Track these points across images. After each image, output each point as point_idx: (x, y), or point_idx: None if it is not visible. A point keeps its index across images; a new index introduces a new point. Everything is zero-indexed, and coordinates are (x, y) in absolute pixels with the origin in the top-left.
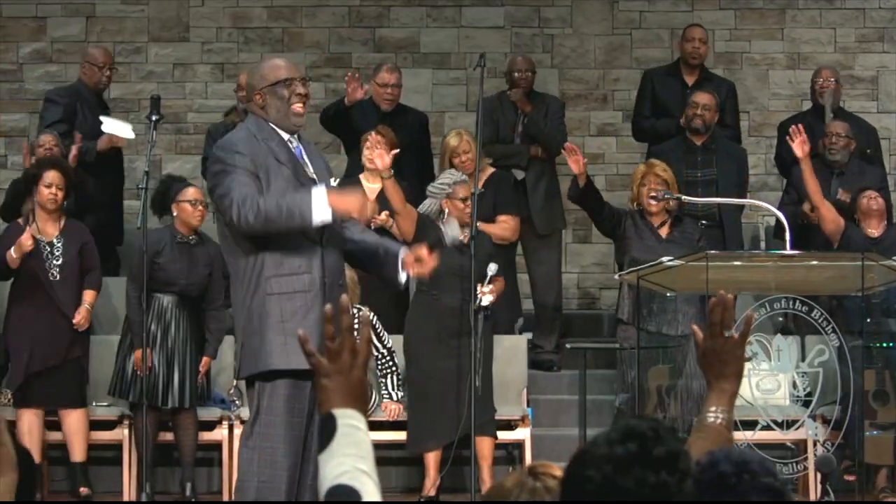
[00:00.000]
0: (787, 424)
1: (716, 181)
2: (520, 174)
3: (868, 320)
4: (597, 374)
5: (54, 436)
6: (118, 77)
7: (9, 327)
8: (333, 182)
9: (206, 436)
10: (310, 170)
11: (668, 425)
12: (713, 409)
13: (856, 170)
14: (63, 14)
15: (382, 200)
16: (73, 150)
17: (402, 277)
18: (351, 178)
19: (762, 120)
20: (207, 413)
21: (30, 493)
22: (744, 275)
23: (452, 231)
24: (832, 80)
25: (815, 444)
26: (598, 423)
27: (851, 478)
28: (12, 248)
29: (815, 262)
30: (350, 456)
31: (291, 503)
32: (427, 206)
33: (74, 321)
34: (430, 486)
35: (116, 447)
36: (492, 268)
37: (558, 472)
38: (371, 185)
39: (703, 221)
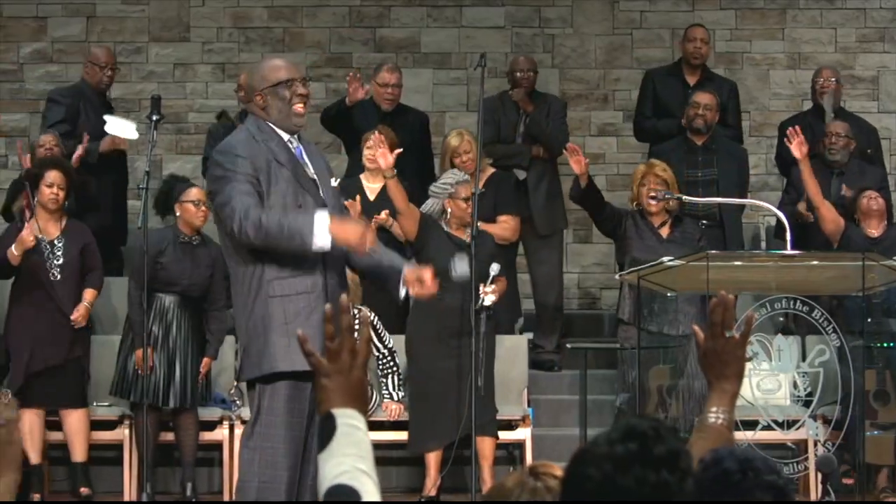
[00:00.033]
0: (788, 424)
1: (716, 181)
2: (521, 174)
3: (869, 320)
4: (597, 374)
5: (55, 436)
6: (119, 77)
7: (9, 327)
8: (334, 182)
9: (207, 436)
10: (310, 170)
11: (669, 425)
12: (714, 409)
13: (856, 170)
14: (63, 14)
15: (383, 200)
16: (79, 150)
17: (402, 293)
18: (351, 178)
19: (763, 120)
20: (208, 413)
21: (24, 493)
22: (744, 275)
23: (461, 268)
24: (833, 80)
25: (815, 445)
26: (599, 423)
27: (849, 481)
28: (13, 245)
29: (815, 262)
30: (350, 456)
31: (292, 503)
32: (429, 205)
33: (72, 317)
34: (431, 486)
35: (117, 447)
36: (494, 268)
37: (559, 472)
38: (371, 185)
39: (704, 221)
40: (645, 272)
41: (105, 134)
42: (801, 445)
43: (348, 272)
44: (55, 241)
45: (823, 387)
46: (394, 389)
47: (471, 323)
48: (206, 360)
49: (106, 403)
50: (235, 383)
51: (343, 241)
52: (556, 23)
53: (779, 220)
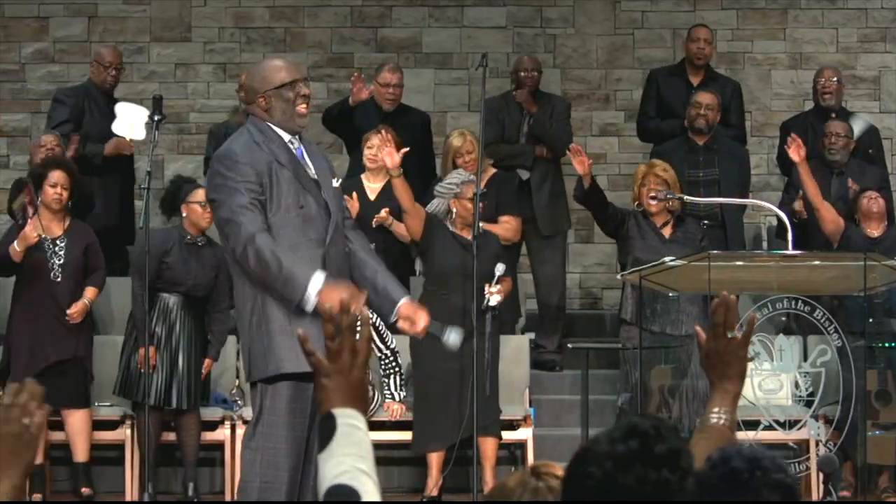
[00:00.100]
0: (790, 424)
1: (718, 181)
2: (525, 174)
3: (870, 320)
4: (599, 375)
5: (57, 436)
6: (120, 77)
7: (11, 327)
8: (336, 182)
9: (209, 436)
10: (311, 171)
11: (671, 424)
12: (716, 409)
13: (856, 170)
14: (65, 14)
15: (384, 200)
16: (70, 152)
17: (391, 320)
18: (353, 178)
19: (764, 120)
20: (210, 413)
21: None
22: (746, 275)
23: (454, 338)
24: (834, 80)
25: (817, 445)
26: (601, 424)
27: (846, 493)
28: (16, 241)
29: (817, 262)
30: (350, 455)
31: (293, 503)
32: (435, 205)
33: (68, 312)
34: (433, 487)
35: (119, 447)
36: (499, 268)
37: (560, 472)
38: (372, 185)
39: (706, 221)
40: (647, 272)
41: (110, 135)
42: (803, 445)
43: None
44: (58, 241)
45: (825, 387)
46: (396, 390)
47: (475, 324)
48: (207, 361)
49: (108, 403)
50: (237, 383)
51: (325, 306)
52: (557, 23)
53: (780, 220)
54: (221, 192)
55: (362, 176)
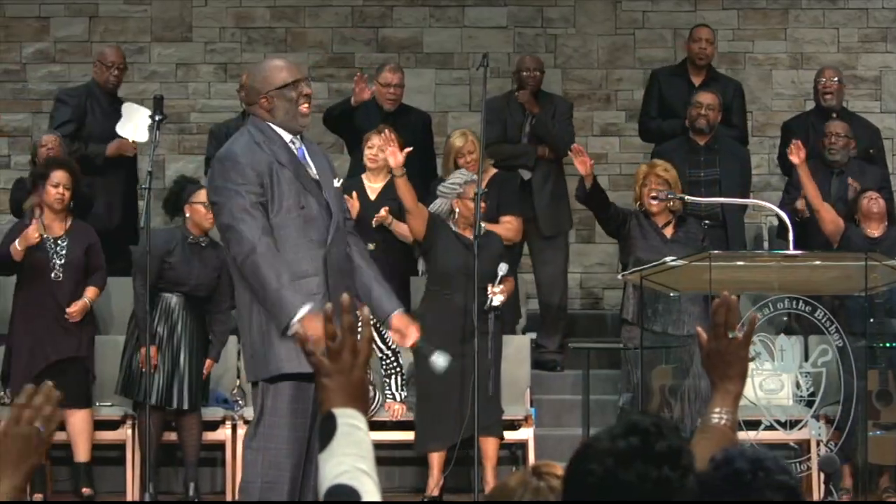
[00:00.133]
0: (791, 424)
1: (719, 181)
2: (527, 174)
3: (871, 320)
4: (600, 374)
5: (58, 436)
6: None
7: (12, 326)
8: (337, 182)
9: (210, 436)
10: (312, 171)
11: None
12: (717, 410)
13: (856, 170)
14: (66, 14)
15: (384, 199)
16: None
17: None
18: (353, 178)
19: (765, 120)
20: (211, 413)
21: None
22: (747, 275)
23: (441, 362)
24: (835, 80)
25: (818, 445)
26: (602, 423)
27: (847, 497)
28: (17, 240)
29: (818, 263)
30: (350, 455)
31: (295, 503)
32: (437, 205)
33: (68, 311)
34: (434, 486)
35: (120, 447)
36: (502, 268)
37: (561, 472)
38: (373, 185)
39: (707, 221)
40: (648, 272)
41: (113, 135)
42: (804, 445)
43: None
44: (59, 241)
45: (826, 387)
46: (397, 390)
47: (477, 323)
48: (208, 362)
49: (109, 403)
50: (238, 383)
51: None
52: (558, 23)
53: (781, 220)
54: (222, 195)
55: (363, 176)
